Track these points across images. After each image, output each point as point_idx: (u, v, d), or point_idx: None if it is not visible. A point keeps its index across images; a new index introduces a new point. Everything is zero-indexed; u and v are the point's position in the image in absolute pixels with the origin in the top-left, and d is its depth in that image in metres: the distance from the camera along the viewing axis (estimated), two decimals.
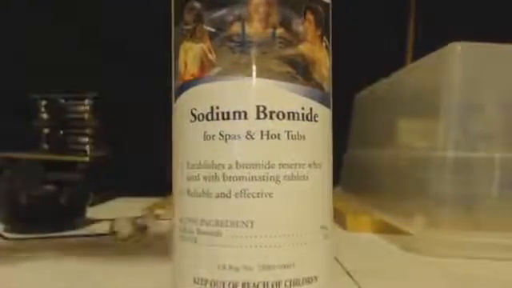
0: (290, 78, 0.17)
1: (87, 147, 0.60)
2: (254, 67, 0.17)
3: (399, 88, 0.43)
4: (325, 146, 0.19)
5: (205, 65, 0.18)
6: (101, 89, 0.60)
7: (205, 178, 0.17)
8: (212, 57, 0.17)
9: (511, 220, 0.30)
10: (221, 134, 0.17)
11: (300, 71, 0.18)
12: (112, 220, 0.35)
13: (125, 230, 0.34)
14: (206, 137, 0.17)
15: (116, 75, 0.61)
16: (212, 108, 0.17)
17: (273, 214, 0.17)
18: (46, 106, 0.60)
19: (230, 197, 0.17)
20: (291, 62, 0.18)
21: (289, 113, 0.17)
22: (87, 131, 0.60)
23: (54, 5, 0.64)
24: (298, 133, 0.18)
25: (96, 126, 0.60)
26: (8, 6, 0.63)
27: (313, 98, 0.18)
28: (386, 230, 0.37)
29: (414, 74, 0.41)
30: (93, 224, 0.40)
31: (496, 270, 0.28)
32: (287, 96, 0.17)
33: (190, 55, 0.18)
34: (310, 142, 0.18)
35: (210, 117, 0.17)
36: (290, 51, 0.17)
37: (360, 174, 0.51)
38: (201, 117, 0.18)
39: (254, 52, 0.17)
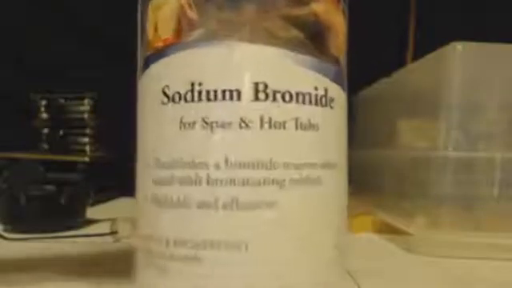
0: (300, 47, 0.13)
1: (87, 147, 0.60)
2: (250, 29, 0.13)
3: (399, 88, 0.43)
4: (341, 140, 0.14)
5: (182, 26, 0.13)
6: (101, 89, 0.60)
7: (181, 181, 0.13)
8: (192, 14, 0.13)
9: None
10: (204, 121, 0.13)
11: (312, 38, 0.13)
12: (112, 220, 0.35)
13: (125, 230, 0.34)
14: (184, 125, 0.13)
15: (116, 75, 0.61)
16: (192, 85, 0.13)
17: (274, 232, 0.13)
18: (46, 106, 0.60)
19: (215, 208, 0.12)
20: (301, 24, 0.13)
21: (298, 94, 0.13)
22: (87, 131, 0.60)
23: (54, 4, 0.64)
24: (309, 121, 0.13)
25: (96, 125, 0.60)
26: (8, 6, 0.63)
27: (328, 76, 0.13)
28: (386, 230, 0.37)
29: (414, 74, 0.41)
30: (93, 224, 0.40)
31: (497, 271, 0.28)
32: (296, 71, 0.13)
33: (161, 15, 0.13)
34: (324, 135, 0.13)
35: (189, 97, 0.13)
36: (299, 10, 0.13)
37: (360, 174, 0.51)
38: (176, 97, 0.13)
39: (250, 8, 0.13)
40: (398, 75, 0.43)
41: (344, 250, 0.14)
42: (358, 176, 0.52)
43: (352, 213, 0.40)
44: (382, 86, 0.47)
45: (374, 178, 0.45)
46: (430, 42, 0.34)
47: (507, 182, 0.30)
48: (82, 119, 0.60)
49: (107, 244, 0.33)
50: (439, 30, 0.45)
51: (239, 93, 0.13)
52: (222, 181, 0.12)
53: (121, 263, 0.28)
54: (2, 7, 0.62)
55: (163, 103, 0.13)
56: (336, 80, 0.14)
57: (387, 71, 0.45)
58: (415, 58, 0.44)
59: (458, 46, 0.31)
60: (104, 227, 0.35)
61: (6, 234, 0.33)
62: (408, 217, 0.33)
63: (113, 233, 0.34)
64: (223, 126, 0.13)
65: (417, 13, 0.67)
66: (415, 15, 0.67)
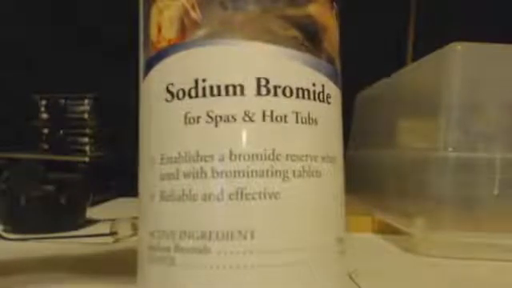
0: (298, 45, 0.14)
1: (87, 147, 0.60)
2: (251, 28, 0.13)
3: (399, 88, 0.43)
4: (338, 136, 0.15)
5: (186, 26, 0.13)
6: (101, 89, 0.60)
7: (186, 174, 0.13)
8: (196, 15, 0.13)
9: None
10: (209, 116, 0.13)
11: (309, 37, 0.14)
12: (112, 220, 0.35)
13: (125, 230, 0.34)
14: (189, 120, 0.13)
15: (116, 75, 0.61)
16: (196, 82, 0.13)
17: (280, 221, 0.13)
18: (46, 106, 0.60)
19: (221, 199, 0.13)
20: (299, 24, 0.14)
21: (298, 89, 0.13)
22: (87, 131, 0.60)
23: (54, 5, 0.64)
24: (308, 115, 0.14)
25: (96, 125, 0.60)
26: (8, 6, 0.63)
27: (324, 74, 0.14)
28: (386, 230, 0.37)
29: (414, 74, 0.41)
30: (93, 224, 0.40)
31: (497, 271, 0.28)
32: (295, 67, 0.13)
33: (165, 16, 0.14)
34: (322, 129, 0.14)
35: (193, 93, 0.13)
36: (296, 11, 0.14)
37: (360, 174, 0.51)
38: (181, 94, 0.13)
39: (252, 8, 0.13)
40: (398, 75, 0.43)
41: (345, 242, 0.15)
42: (358, 176, 0.52)
43: (352, 213, 0.40)
44: (382, 86, 0.47)
45: (374, 178, 0.45)
46: (430, 42, 0.34)
47: (507, 182, 0.30)
48: (82, 119, 0.60)
49: (107, 244, 0.33)
50: (439, 29, 0.45)
51: (242, 88, 0.13)
52: (227, 173, 0.13)
53: (121, 263, 0.28)
54: (2, 7, 0.62)
55: (167, 101, 0.14)
56: (332, 78, 0.15)
57: (387, 71, 0.45)
58: (415, 58, 0.44)
59: (458, 46, 0.31)
60: (104, 227, 0.35)
61: (5, 234, 0.33)
62: (408, 217, 0.33)
63: (113, 233, 0.34)
64: (228, 119, 0.13)
65: (417, 13, 0.67)
66: (415, 15, 0.67)
